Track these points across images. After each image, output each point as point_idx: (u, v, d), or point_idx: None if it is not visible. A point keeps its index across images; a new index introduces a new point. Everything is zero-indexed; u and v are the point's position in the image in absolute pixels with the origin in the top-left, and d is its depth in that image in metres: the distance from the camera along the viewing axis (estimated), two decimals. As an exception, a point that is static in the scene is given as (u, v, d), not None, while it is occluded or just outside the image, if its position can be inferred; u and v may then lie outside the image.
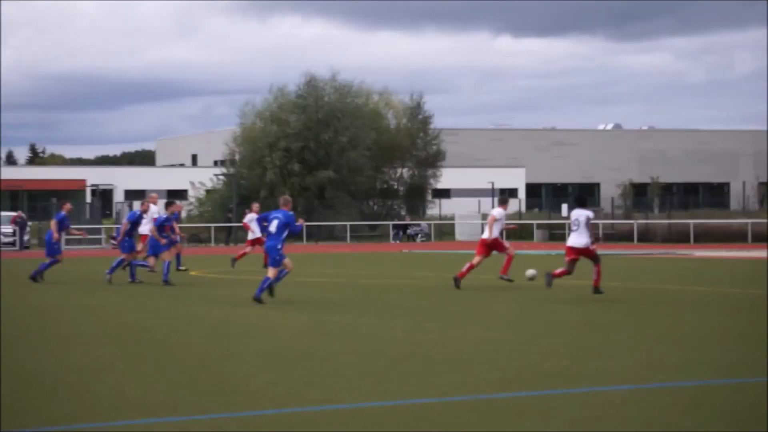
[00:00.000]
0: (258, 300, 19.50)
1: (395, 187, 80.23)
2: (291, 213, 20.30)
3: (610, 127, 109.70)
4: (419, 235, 69.06)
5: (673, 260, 40.87)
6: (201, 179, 73.38)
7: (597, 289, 20.92)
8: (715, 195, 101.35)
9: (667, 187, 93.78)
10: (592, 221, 21.13)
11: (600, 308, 18.79)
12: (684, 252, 48.49)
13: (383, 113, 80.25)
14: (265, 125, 71.64)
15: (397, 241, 66.69)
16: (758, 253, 46.02)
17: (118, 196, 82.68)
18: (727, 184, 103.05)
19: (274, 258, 19.93)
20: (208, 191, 72.52)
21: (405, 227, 70.66)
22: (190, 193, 73.51)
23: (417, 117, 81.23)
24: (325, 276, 28.46)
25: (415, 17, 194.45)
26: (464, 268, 23.75)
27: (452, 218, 75.39)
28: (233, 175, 70.87)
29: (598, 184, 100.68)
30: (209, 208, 70.27)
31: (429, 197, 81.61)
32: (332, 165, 70.95)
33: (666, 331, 15.00)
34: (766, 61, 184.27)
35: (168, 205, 26.99)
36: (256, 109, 73.51)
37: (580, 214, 21.09)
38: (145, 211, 27.30)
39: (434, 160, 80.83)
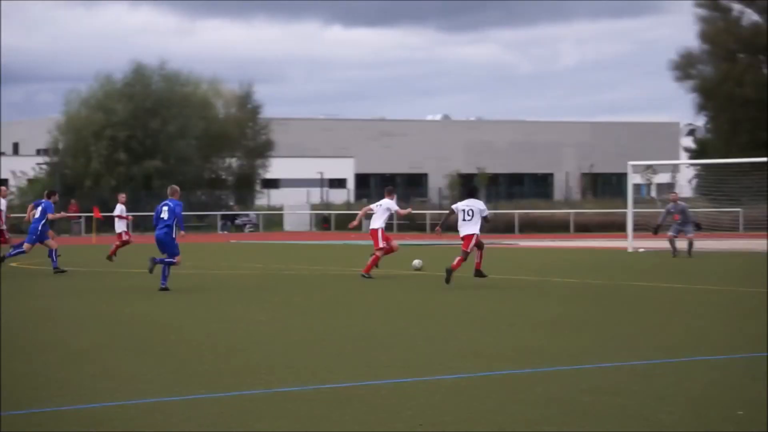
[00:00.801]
0: (164, 288, 20.03)
1: (224, 177, 79.63)
2: (180, 202, 20.82)
3: (438, 117, 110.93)
4: (247, 226, 68.65)
5: (498, 250, 41.48)
6: (22, 168, 71.53)
7: (479, 272, 21.75)
8: (539, 185, 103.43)
9: (494, 178, 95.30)
10: (485, 213, 21.85)
11: (428, 297, 18.90)
12: (509, 242, 49.31)
13: (212, 102, 79.52)
14: (90, 113, 70.22)
15: (225, 232, 66.15)
16: (581, 243, 47.13)
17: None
18: (551, 175, 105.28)
19: (169, 246, 20.49)
20: (30, 181, 70.75)
21: (233, 218, 70.17)
22: (11, 182, 71.55)
23: (246, 106, 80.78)
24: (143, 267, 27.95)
25: (244, 5, 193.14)
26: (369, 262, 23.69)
27: (281, 209, 75.15)
28: (56, 164, 69.29)
29: (426, 174, 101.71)
30: (31, 198, 68.59)
31: (258, 187, 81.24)
32: (160, 154, 70.01)
33: (494, 318, 15.18)
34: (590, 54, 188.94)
35: None
36: (81, 97, 72.03)
37: (473, 205, 21.81)
38: None
39: (263, 149, 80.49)
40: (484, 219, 21.90)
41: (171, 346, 12.63)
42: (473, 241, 21.62)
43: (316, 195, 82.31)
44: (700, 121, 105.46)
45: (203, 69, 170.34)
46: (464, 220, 21.68)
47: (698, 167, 75.30)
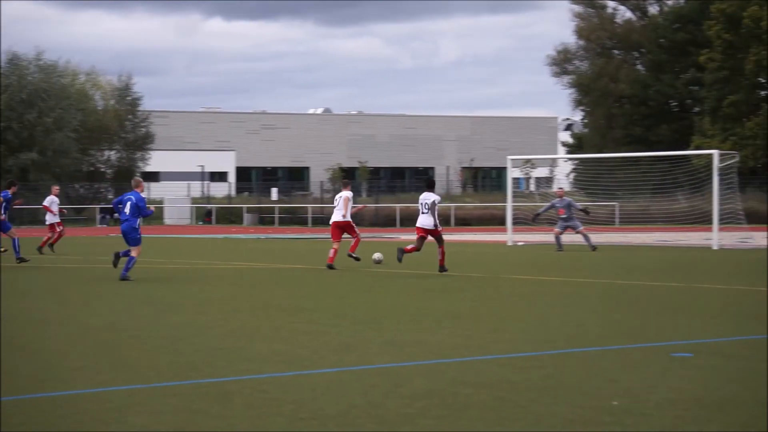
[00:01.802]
0: (126, 278, 20.58)
1: (102, 169, 78.58)
2: (142, 195, 21.32)
3: (320, 111, 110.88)
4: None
5: (379, 244, 41.66)
6: None
7: (442, 268, 22.64)
8: (420, 179, 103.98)
9: (375, 171, 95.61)
10: (438, 204, 23.04)
11: (300, 292, 18.91)
12: (390, 235, 49.54)
13: (90, 94, 78.40)
14: (-38, 104, 68.72)
15: (105, 225, 65.31)
16: (461, 237, 47.54)
17: None
18: (432, 169, 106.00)
19: (134, 238, 21.03)
20: None
21: (112, 211, 69.31)
22: None
23: (125, 99, 79.82)
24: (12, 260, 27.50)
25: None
26: (331, 254, 24.09)
27: (161, 202, 74.44)
28: (-70, 156, 67.66)
29: (307, 168, 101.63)
30: None
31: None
32: (36, 147, 68.79)
33: (375, 311, 15.25)
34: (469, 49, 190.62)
35: None
36: (-46, 88, 70.46)
37: (429, 198, 22.93)
38: None
39: (143, 142, 79.66)
40: (432, 210, 22.90)
41: (46, 342, 12.44)
42: (433, 234, 22.84)
43: (196, 188, 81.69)
44: (577, 116, 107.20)
45: (81, 60, 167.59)
46: (422, 213, 23.02)
47: (575, 161, 76.44)
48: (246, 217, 69.10)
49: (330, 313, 15.37)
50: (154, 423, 8.10)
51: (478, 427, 7.92)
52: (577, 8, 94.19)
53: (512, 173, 43.08)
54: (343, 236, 24.94)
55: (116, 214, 21.71)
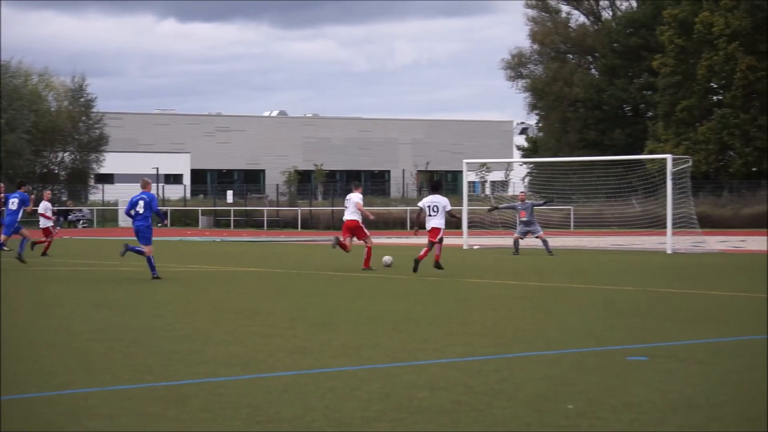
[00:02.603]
0: (156, 277, 21.39)
1: (56, 171, 78.04)
2: (153, 194, 22.32)
3: (275, 113, 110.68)
4: (81, 222, 67.40)
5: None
6: None
7: (438, 264, 23.20)
8: (376, 182, 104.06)
9: (331, 174, 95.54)
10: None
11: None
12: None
13: (43, 95, 77.84)
14: None
15: (58, 228, 64.83)
16: (417, 240, 47.60)
17: None
18: (388, 172, 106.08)
19: (146, 237, 21.88)
20: None
21: (66, 213, 68.80)
22: None
23: (79, 100, 79.33)
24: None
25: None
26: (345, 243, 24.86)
27: (116, 204, 74.03)
28: None
29: (263, 171, 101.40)
30: None
31: (91, 182, 79.91)
32: (-11, 148, 68.22)
33: (330, 314, 15.24)
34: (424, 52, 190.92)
35: None
36: None
37: (438, 201, 23.52)
38: None
39: (97, 144, 79.20)
40: (449, 214, 23.58)
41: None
42: (440, 234, 23.36)
43: (154, 190, 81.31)
44: (532, 120, 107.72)
45: (34, 61, 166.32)
46: (430, 215, 23.48)
47: (530, 165, 76.75)
48: (201, 219, 68.90)
49: (286, 316, 15.33)
50: (110, 426, 8.05)
51: (434, 430, 7.93)
52: (532, 12, 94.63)
53: (468, 177, 43.18)
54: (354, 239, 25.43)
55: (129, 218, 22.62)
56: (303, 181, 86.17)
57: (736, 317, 14.93)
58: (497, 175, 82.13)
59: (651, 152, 72.98)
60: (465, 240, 37.92)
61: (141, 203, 21.84)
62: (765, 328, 13.67)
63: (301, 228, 63.98)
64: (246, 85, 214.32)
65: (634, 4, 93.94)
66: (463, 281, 21.87)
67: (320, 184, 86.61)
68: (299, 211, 66.60)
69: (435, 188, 24.45)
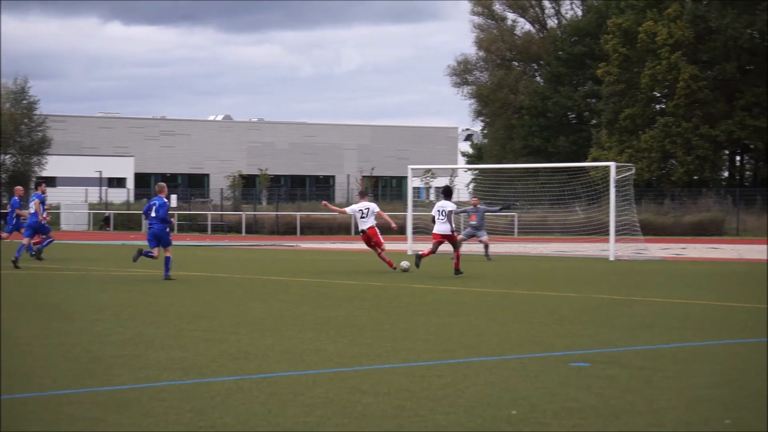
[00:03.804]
0: (168, 278, 22.39)
1: (-3, 174, 77.20)
2: (165, 200, 22.81)
3: (220, 117, 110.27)
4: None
5: (279, 251, 41.58)
6: None
7: (458, 271, 24.56)
8: (321, 187, 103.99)
9: (276, 179, 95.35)
10: (455, 212, 25.27)
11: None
12: (290, 243, 49.46)
13: (-15, 97, 76.98)
14: None
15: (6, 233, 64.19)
16: (362, 245, 47.61)
17: None
18: (333, 177, 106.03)
19: (165, 240, 22.77)
20: None
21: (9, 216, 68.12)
22: None
23: (21, 102, 78.61)
24: None
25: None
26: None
27: (58, 207, 73.39)
28: None
29: (207, 175, 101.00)
30: None
31: (33, 185, 79.07)
32: (-72, 150, 67.42)
33: (274, 320, 15.19)
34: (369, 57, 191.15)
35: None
36: None
37: (447, 206, 24.80)
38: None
39: (39, 147, 78.51)
40: (448, 217, 24.85)
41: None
42: (450, 240, 24.85)
43: (94, 194, 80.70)
44: (477, 127, 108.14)
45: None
46: (438, 219, 24.83)
47: (475, 172, 77.02)
48: (145, 223, 68.47)
49: (229, 320, 15.27)
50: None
51: (378, 436, 7.93)
52: (478, 20, 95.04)
53: (413, 182, 43.25)
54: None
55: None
56: (247, 185, 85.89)
57: (676, 324, 15.07)
58: (442, 181, 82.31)
59: (595, 160, 73.56)
60: (410, 245, 37.97)
61: (154, 209, 22.74)
62: (705, 334, 13.80)
63: (246, 233, 63.76)
64: (191, 89, 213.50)
65: (579, 13, 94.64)
66: (407, 287, 21.89)
67: (264, 189, 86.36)
68: (243, 216, 66.39)
69: (446, 194, 25.55)
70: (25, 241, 28.95)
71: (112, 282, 22.56)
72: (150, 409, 8.74)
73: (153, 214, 22.77)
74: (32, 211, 29.06)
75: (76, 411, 8.69)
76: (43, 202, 29.41)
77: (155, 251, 22.93)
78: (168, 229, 22.92)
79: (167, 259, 22.82)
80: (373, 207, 26.55)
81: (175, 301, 18.60)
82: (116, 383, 9.94)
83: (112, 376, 10.30)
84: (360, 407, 8.85)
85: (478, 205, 34.03)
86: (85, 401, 9.11)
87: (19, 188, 31.97)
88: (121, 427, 8.10)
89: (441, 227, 24.82)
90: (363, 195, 27.39)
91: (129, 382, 10.01)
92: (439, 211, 24.92)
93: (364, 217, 26.34)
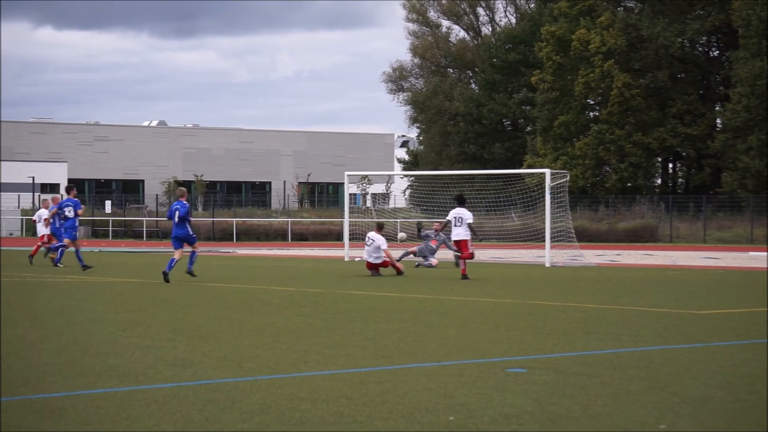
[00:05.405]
0: (191, 272, 24.23)
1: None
2: (186, 204, 24.31)
3: (154, 123, 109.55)
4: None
5: (215, 258, 41.41)
6: None
7: (464, 276, 25.64)
8: (257, 194, 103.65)
9: (212, 185, 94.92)
10: (469, 221, 26.10)
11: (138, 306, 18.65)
12: (227, 250, 49.25)
13: None
14: None
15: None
16: (298, 252, 47.52)
17: None
18: (269, 183, 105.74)
19: (190, 241, 24.30)
20: None
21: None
22: None
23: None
24: None
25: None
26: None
27: (-10, 213, 72.54)
28: None
29: (142, 181, 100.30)
30: None
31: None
32: None
33: (212, 327, 15.11)
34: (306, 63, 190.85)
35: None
36: None
37: (462, 213, 25.99)
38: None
39: (-29, 152, 77.56)
40: (469, 227, 25.94)
41: None
42: (468, 248, 25.92)
43: (27, 200, 79.83)
44: (413, 133, 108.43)
45: None
46: (455, 226, 25.98)
47: (411, 178, 77.19)
48: (79, 229, 67.80)
49: (165, 327, 15.17)
50: (-17, 441, 7.87)
51: (317, 443, 7.92)
52: (412, 27, 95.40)
53: (349, 189, 43.27)
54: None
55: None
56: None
57: (612, 330, 15.19)
58: (378, 188, 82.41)
59: (530, 166, 74.06)
60: (346, 252, 37.97)
61: (177, 213, 24.12)
62: (640, 340, 13.93)
63: (181, 239, 63.44)
64: (124, 95, 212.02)
65: (513, 21, 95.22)
66: (345, 293, 21.88)
67: (200, 195, 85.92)
68: (179, 222, 66.03)
69: (460, 202, 26.70)
70: (68, 243, 29.87)
71: (47, 289, 22.33)
72: (85, 417, 8.66)
73: (176, 219, 24.03)
74: (70, 216, 29.89)
75: (9, 419, 8.59)
76: (77, 206, 30.43)
77: (177, 253, 24.09)
78: (191, 231, 24.34)
79: (192, 254, 24.36)
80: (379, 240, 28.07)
81: (111, 308, 18.45)
82: (51, 391, 9.83)
83: (47, 384, 10.19)
84: (298, 414, 8.84)
85: (440, 233, 33.77)
86: (19, 409, 9.00)
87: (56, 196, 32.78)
88: (56, 436, 8.02)
89: (460, 231, 26.01)
90: (380, 228, 28.87)
91: (64, 389, 9.91)
92: (455, 217, 26.19)
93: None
